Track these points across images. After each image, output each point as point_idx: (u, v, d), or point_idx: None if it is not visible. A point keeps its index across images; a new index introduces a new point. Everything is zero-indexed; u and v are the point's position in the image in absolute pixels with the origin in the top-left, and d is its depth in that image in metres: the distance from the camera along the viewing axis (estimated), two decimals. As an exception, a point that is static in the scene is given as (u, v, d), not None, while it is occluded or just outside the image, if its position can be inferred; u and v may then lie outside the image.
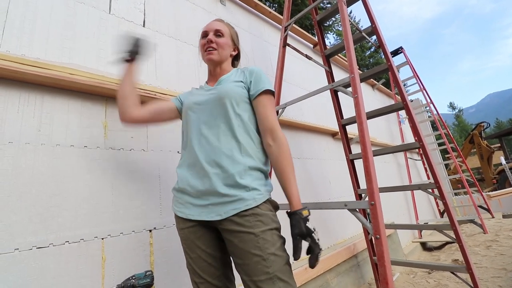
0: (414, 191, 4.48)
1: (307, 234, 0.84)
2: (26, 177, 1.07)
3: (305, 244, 0.86)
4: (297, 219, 0.85)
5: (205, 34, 1.12)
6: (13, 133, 1.08)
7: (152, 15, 1.78)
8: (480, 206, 5.03)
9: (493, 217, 5.03)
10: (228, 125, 0.95)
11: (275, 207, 0.95)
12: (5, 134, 1.06)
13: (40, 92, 1.19)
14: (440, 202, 5.43)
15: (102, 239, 1.19)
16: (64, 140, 1.20)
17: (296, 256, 0.83)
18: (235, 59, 1.22)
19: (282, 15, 2.75)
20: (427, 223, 4.48)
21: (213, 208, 0.89)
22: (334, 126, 3.00)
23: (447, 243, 3.90)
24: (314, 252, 0.84)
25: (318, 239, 0.85)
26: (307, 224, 0.85)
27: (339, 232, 2.63)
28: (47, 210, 1.09)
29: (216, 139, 0.94)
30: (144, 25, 1.70)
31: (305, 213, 0.87)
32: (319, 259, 0.84)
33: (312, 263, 0.84)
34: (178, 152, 1.58)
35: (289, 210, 0.91)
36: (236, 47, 1.19)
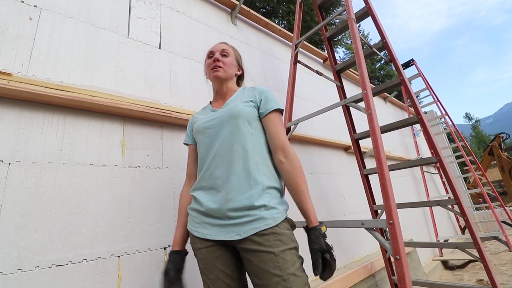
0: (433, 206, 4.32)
1: (327, 250, 0.85)
2: (48, 196, 1.11)
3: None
4: (317, 234, 0.87)
5: (211, 54, 1.17)
6: (37, 153, 1.13)
7: (167, 37, 1.86)
8: (504, 222, 4.77)
9: (518, 233, 4.76)
10: (243, 145, 0.96)
11: (293, 226, 0.95)
12: (29, 154, 1.11)
13: (62, 114, 1.25)
14: (461, 218, 5.21)
15: (119, 256, 1.20)
16: (84, 159, 1.24)
17: (317, 272, 0.84)
18: (240, 79, 1.26)
19: (291, 32, 2.81)
20: (447, 240, 4.29)
21: (232, 228, 0.89)
22: (346, 140, 2.98)
23: (470, 261, 3.70)
24: (331, 268, 0.85)
25: (334, 255, 0.87)
26: (326, 240, 0.87)
27: (355, 249, 2.55)
28: (66, 228, 1.11)
29: (233, 160, 0.94)
30: (160, 47, 1.78)
31: (323, 229, 0.89)
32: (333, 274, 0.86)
33: (326, 277, 0.85)
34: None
35: (305, 225, 0.92)
36: (240, 67, 1.23)
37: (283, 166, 0.96)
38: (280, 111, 1.05)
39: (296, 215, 1.01)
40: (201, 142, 1.05)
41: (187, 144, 1.19)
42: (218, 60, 1.11)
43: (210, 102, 1.22)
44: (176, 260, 0.99)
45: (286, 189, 1.01)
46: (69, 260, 1.08)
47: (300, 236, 0.96)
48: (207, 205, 0.94)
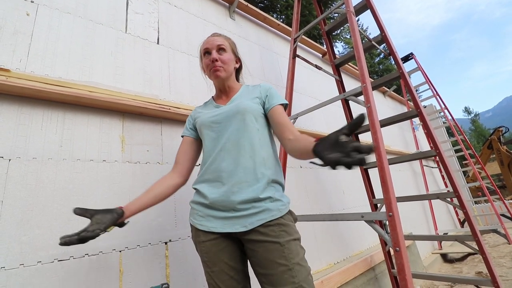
0: (432, 200, 4.34)
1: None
2: (48, 192, 1.11)
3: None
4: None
5: (207, 51, 1.12)
6: (37, 149, 1.13)
7: (165, 32, 1.85)
8: (503, 215, 4.81)
9: (517, 226, 4.80)
10: (250, 140, 0.97)
11: (295, 219, 0.96)
12: (29, 150, 1.11)
13: (62, 110, 1.24)
14: (460, 211, 5.24)
15: (120, 251, 1.21)
16: (84, 155, 1.24)
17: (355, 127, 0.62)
18: (237, 71, 1.24)
19: (290, 26, 2.80)
20: (446, 233, 4.32)
21: (238, 220, 0.90)
22: (346, 135, 2.98)
23: (469, 254, 3.73)
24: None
25: None
26: None
27: (355, 243, 2.57)
28: (67, 223, 1.12)
29: (239, 154, 0.95)
30: (158, 43, 1.77)
31: None
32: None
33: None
34: (192, 164, 1.61)
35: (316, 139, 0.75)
36: (237, 58, 1.21)
37: (290, 143, 0.94)
38: (284, 106, 1.07)
39: (296, 211, 1.02)
40: (207, 136, 1.05)
41: (182, 137, 1.18)
42: (216, 60, 1.08)
43: (213, 97, 1.21)
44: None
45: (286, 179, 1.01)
46: (71, 255, 1.09)
47: (301, 230, 0.97)
48: (212, 197, 0.94)
